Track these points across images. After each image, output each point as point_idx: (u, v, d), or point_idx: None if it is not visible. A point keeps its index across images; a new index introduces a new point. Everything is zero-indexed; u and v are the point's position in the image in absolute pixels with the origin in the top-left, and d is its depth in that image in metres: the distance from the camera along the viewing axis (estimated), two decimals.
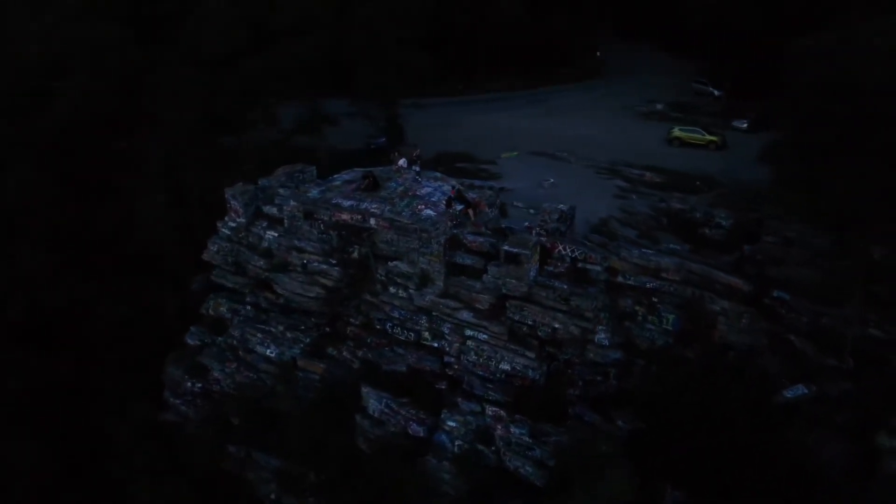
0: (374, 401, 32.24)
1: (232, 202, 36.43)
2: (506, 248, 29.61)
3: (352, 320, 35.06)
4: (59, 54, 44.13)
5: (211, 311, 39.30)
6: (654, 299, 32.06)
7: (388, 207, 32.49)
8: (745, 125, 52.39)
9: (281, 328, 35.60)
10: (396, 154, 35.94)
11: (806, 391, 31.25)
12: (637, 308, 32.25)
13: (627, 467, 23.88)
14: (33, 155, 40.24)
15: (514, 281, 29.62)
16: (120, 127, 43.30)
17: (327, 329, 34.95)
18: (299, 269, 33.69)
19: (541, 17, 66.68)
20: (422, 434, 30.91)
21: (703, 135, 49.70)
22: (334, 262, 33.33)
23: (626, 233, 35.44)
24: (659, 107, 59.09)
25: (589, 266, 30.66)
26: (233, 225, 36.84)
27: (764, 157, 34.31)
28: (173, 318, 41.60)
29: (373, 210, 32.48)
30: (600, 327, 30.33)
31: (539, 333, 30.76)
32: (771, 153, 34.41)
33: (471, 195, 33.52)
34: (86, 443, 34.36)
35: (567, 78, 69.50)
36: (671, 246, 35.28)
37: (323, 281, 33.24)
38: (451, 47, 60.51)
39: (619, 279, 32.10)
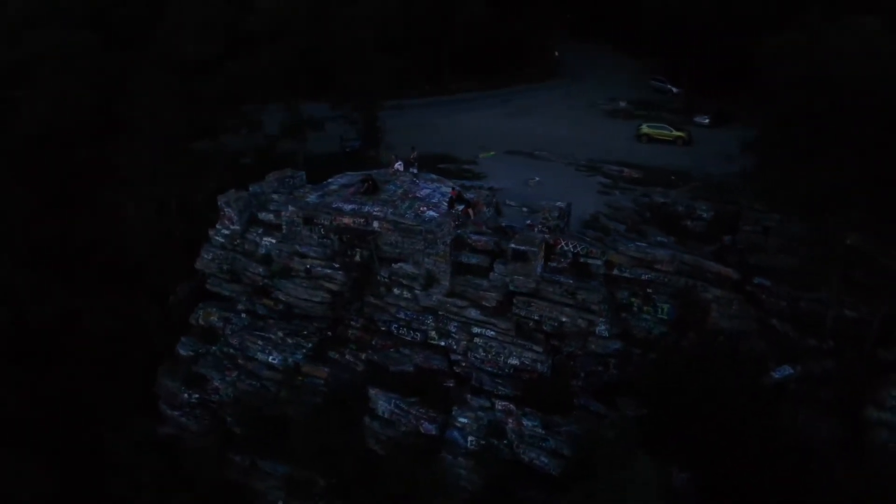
0: (382, 402, 32.60)
1: (226, 209, 36.20)
2: (513, 245, 30.46)
3: (352, 323, 35.35)
4: (23, 61, 42.77)
5: (201, 321, 38.93)
6: (649, 290, 33.44)
7: (390, 210, 32.91)
8: (707, 121, 54.63)
9: (280, 334, 35.57)
10: (393, 157, 36.29)
11: (792, 371, 33.13)
12: (633, 299, 33.57)
13: (651, 453, 24.92)
14: (4, 165, 38.92)
15: (521, 277, 30.51)
16: (94, 135, 42.24)
17: (329, 333, 35.04)
18: (303, 274, 33.78)
19: (502, 18, 67.73)
20: (434, 432, 31.46)
21: (671, 131, 51.66)
22: (337, 265, 33.57)
23: (615, 227, 36.70)
24: (622, 104, 60.96)
25: (590, 261, 31.82)
26: (226, 233, 36.62)
27: (745, 150, 36.06)
28: (158, 330, 40.93)
29: (375, 213, 32.85)
30: (601, 319, 31.47)
31: (544, 328, 31.74)
32: (752, 147, 36.14)
33: (468, 195, 34.20)
34: (85, 459, 33.54)
35: (528, 78, 70.81)
36: (659, 239, 36.77)
37: (328, 285, 33.43)
38: (416, 49, 60.90)
39: (615, 272, 33.36)
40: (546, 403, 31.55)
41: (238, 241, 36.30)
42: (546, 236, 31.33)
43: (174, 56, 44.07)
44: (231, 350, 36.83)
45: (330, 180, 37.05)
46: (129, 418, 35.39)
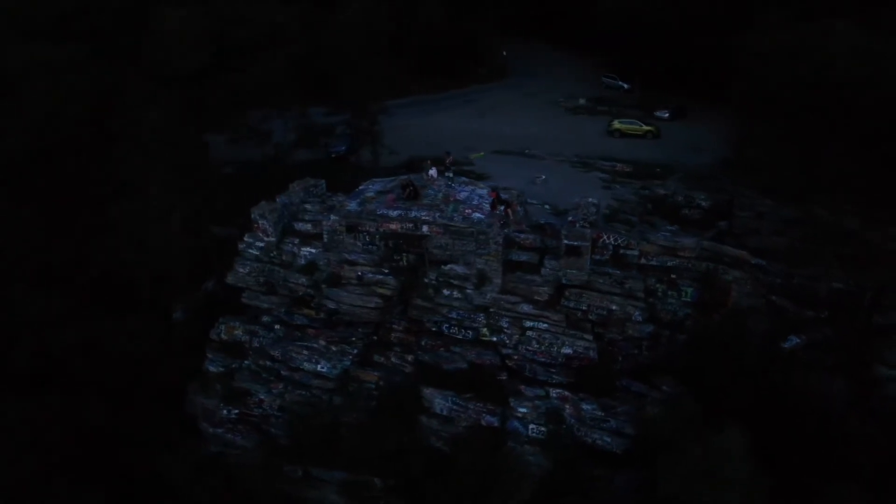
0: (439, 400, 33.79)
1: (260, 222, 36.15)
2: (566, 241, 32.41)
3: (395, 326, 36.23)
4: (8, 75, 40.70)
5: (223, 336, 38.65)
6: (673, 276, 36.25)
7: (437, 214, 34.07)
8: (667, 115, 58.60)
9: (323, 343, 35.95)
10: (428, 163, 37.31)
11: (798, 340, 36.86)
12: (658, 285, 36.28)
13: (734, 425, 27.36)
14: (5, 186, 37.08)
15: (574, 271, 32.55)
16: (92, 151, 40.81)
17: (374, 338, 35.77)
18: (354, 281, 34.31)
19: (456, 19, 69.49)
20: (496, 424, 32.97)
21: (641, 126, 55.20)
22: (387, 271, 34.36)
23: (630, 219, 39.40)
24: (582, 101, 64.22)
25: (628, 252, 34.23)
26: (261, 245, 36.51)
27: (742, 143, 39.68)
28: (178, 349, 40.30)
29: (424, 217, 33.90)
30: (642, 305, 34.01)
31: (590, 317, 33.92)
32: (748, 140, 39.79)
33: (503, 196, 35.86)
34: (137, 484, 32.80)
35: (480, 78, 73.03)
36: (668, 227, 39.76)
37: (381, 291, 34.19)
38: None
39: (642, 261, 35.98)
40: (595, 388, 33.81)
41: (274, 252, 36.23)
42: (589, 231, 33.45)
43: (164, 68, 43.14)
44: (268, 363, 36.78)
45: (362, 187, 37.65)
46: (174, 440, 34.68)
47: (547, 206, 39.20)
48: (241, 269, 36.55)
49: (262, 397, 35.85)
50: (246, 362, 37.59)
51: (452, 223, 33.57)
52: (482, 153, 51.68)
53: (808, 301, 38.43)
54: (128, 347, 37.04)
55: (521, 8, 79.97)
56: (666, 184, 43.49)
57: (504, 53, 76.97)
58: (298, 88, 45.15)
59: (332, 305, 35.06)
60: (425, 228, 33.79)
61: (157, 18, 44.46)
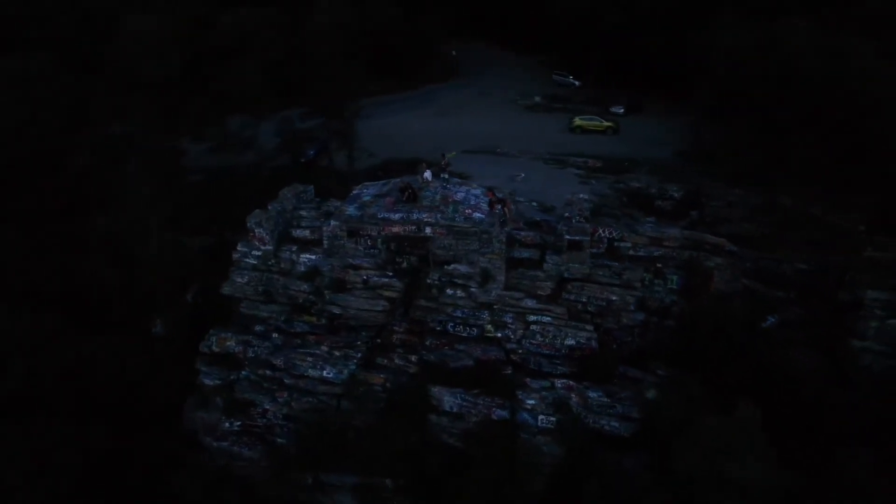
0: (448, 398, 34.43)
1: (256, 230, 35.86)
2: (567, 236, 33.64)
3: (396, 328, 36.62)
4: None
5: (215, 348, 38.17)
6: (659, 265, 38.06)
7: (439, 215, 34.66)
8: (622, 110, 60.91)
9: (325, 349, 36.01)
10: (423, 165, 37.78)
11: (774, 319, 39.40)
12: (645, 274, 38.04)
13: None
14: None
15: (577, 265, 33.84)
16: (67, 163, 39.52)
17: (378, 341, 36.10)
18: (360, 286, 34.52)
19: (407, 20, 69.94)
20: (507, 417, 33.90)
21: (601, 122, 57.23)
22: (391, 274, 34.74)
23: (614, 212, 41.08)
24: (537, 99, 65.93)
25: (621, 244, 35.80)
26: (258, 253, 36.19)
27: (703, 135, 42.02)
28: (161, 364, 39.51)
29: (426, 219, 34.44)
30: (637, 295, 35.65)
31: (589, 308, 35.30)
32: (713, 132, 42.14)
33: (498, 195, 36.81)
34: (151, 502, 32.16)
35: (432, 78, 73.65)
36: (647, 219, 41.67)
37: (387, 294, 34.55)
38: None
39: (631, 252, 37.67)
40: (597, 376, 35.25)
41: (272, 260, 36.01)
42: (588, 226, 34.81)
43: (134, 75, 42.22)
44: (268, 372, 36.53)
45: (356, 191, 37.81)
46: (180, 457, 34.12)
47: (534, 204, 40.36)
48: (239, 279, 36.14)
49: (267, 407, 35.59)
50: (244, 373, 37.16)
51: (455, 224, 34.24)
52: (454, 153, 52.31)
53: (777, 283, 41.03)
54: (119, 366, 35.97)
55: (466, 8, 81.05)
56: (639, 177, 45.39)
57: (454, 53, 77.85)
58: (274, 93, 44.76)
59: (336, 311, 35.15)
60: (428, 230, 34.35)
61: (123, 25, 43.42)
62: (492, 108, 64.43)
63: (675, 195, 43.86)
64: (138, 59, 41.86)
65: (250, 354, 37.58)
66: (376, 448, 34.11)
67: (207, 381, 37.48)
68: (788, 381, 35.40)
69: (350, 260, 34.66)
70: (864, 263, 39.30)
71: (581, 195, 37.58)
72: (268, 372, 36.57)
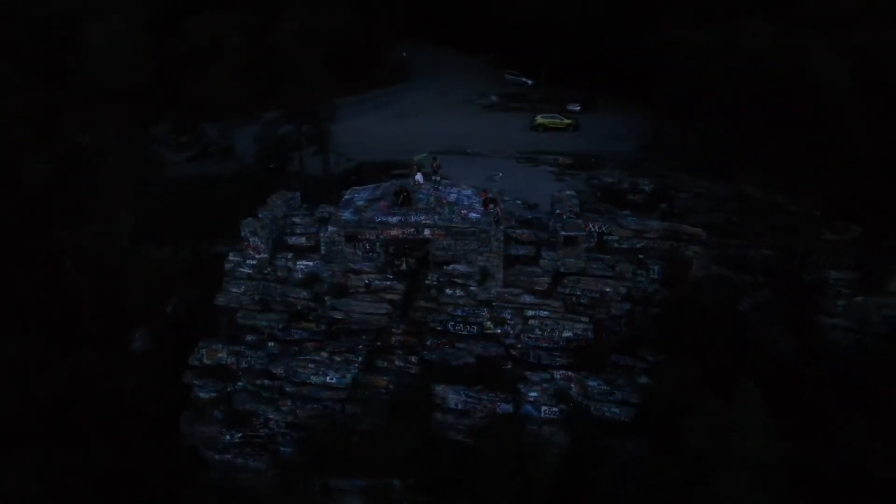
0: (452, 395, 35.15)
1: (251, 239, 35.56)
2: (563, 232, 34.83)
3: (394, 330, 37.02)
4: None
5: (206, 360, 37.73)
6: (641, 256, 39.78)
7: (436, 217, 35.24)
8: (579, 108, 62.73)
9: (325, 354, 36.10)
10: (414, 168, 38.17)
11: (748, 303, 41.76)
12: (629, 266, 39.68)
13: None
14: None
15: (572, 259, 35.08)
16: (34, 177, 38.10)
17: (378, 344, 36.40)
18: (362, 289, 34.73)
19: (358, 22, 69.75)
20: (512, 410, 34.86)
21: (562, 120, 58.89)
22: (391, 276, 35.11)
23: (597, 208, 42.58)
24: (493, 98, 67.04)
25: (609, 237, 37.29)
26: (253, 262, 35.89)
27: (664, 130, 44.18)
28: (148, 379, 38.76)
29: (424, 221, 34.95)
30: (627, 285, 37.23)
31: (582, 300, 36.64)
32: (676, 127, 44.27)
33: (490, 195, 37.68)
34: None
35: (385, 81, 73.76)
36: (623, 212, 43.37)
37: (389, 296, 34.90)
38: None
39: (616, 244, 39.26)
40: (592, 365, 36.64)
41: (268, 269, 35.77)
42: (581, 221, 36.09)
43: (101, 85, 41.05)
44: (266, 381, 36.34)
45: (348, 196, 37.91)
46: (186, 472, 33.60)
47: (518, 202, 41.37)
48: (235, 289, 35.75)
49: (271, 416, 35.37)
50: (240, 384, 36.81)
51: (453, 225, 34.88)
52: (424, 154, 52.79)
53: (745, 268, 43.41)
54: (113, 385, 35.06)
55: (413, 10, 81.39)
56: (611, 172, 47.09)
57: (404, 55, 78.15)
58: (247, 99, 44.23)
59: (339, 316, 35.28)
60: (427, 232, 34.88)
61: (84, 32, 42.05)
62: (450, 109, 65.09)
63: (646, 189, 45.70)
64: (103, 68, 40.61)
65: (243, 365, 37.23)
66: (385, 449, 34.39)
67: (202, 394, 36.95)
68: (768, 359, 37.63)
69: (351, 265, 34.77)
70: (824, 246, 42.05)
71: (568, 192, 38.81)
72: (266, 381, 36.32)
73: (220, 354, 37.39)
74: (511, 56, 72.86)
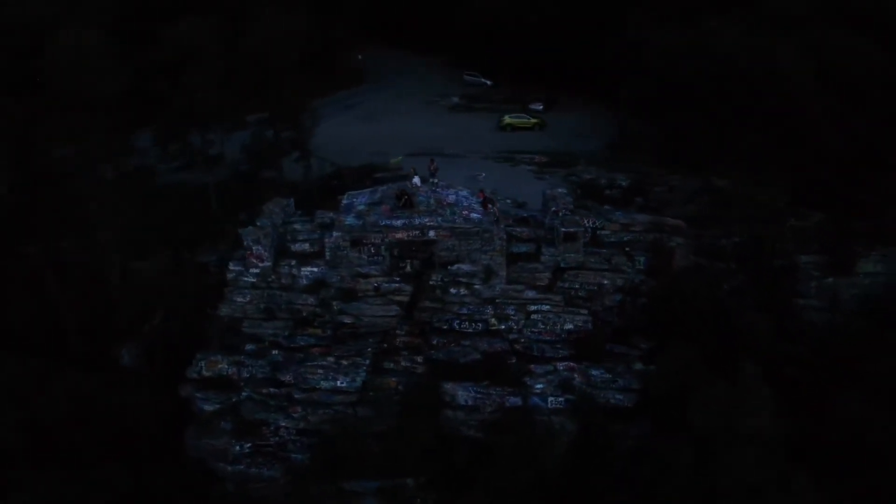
0: (462, 392, 35.95)
1: (254, 248, 35.45)
2: (563, 228, 36.16)
3: (398, 332, 37.58)
4: None
5: (205, 372, 37.44)
6: (628, 248, 41.50)
7: (439, 218, 35.97)
8: (541, 107, 64.37)
9: (332, 359, 36.35)
10: (412, 171, 38.66)
11: (726, 288, 44.09)
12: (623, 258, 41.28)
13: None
14: None
15: (572, 254, 36.46)
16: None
17: (384, 346, 36.87)
18: (371, 293, 35.13)
19: (318, 26, 69.51)
20: (520, 403, 35.95)
21: (529, 119, 60.43)
22: (398, 279, 35.68)
23: (585, 204, 44.13)
24: (456, 100, 68.02)
25: (602, 232, 38.86)
26: (256, 271, 35.79)
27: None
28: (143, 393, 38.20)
29: (428, 223, 35.65)
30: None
31: (580, 293, 38.08)
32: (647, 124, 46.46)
33: (487, 195, 38.70)
34: None
35: (344, 84, 73.65)
36: (605, 207, 45.11)
37: (398, 298, 35.43)
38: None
39: (606, 239, 40.88)
40: (592, 355, 38.12)
41: (272, 276, 35.75)
42: (579, 217, 37.49)
43: (77, 95, 40.15)
44: (272, 389, 36.33)
45: (346, 201, 38.18)
46: (202, 487, 33.33)
47: (508, 200, 42.47)
48: (240, 299, 35.60)
49: (282, 424, 35.38)
50: (245, 394, 36.64)
51: (457, 225, 35.69)
52: (400, 157, 53.39)
53: (719, 256, 45.79)
54: (119, 402, 34.43)
55: (367, 12, 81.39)
56: (588, 169, 48.80)
57: (360, 58, 78.15)
58: (229, 104, 43.89)
59: (348, 320, 35.61)
60: (432, 233, 35.56)
61: (54, 41, 41.02)
62: (415, 111, 65.63)
63: (623, 184, 47.57)
64: (74, 77, 39.70)
65: (245, 375, 37.04)
66: (399, 449, 34.92)
67: (206, 407, 36.61)
68: (750, 341, 39.85)
69: (359, 269, 35.13)
70: (789, 232, 44.84)
71: (560, 190, 40.15)
72: (272, 389, 36.26)
73: (220, 365, 37.09)
74: (469, 57, 73.78)
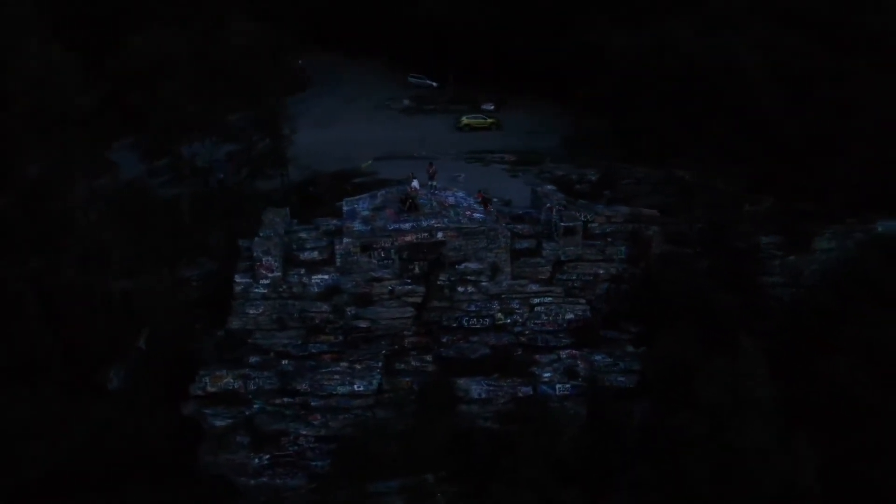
0: (475, 387, 37.09)
1: (264, 259, 35.20)
2: (563, 223, 37.89)
3: (406, 332, 38.29)
4: None
5: (210, 388, 37.00)
6: (609, 239, 43.78)
7: (446, 220, 36.92)
8: (493, 107, 66.09)
9: (345, 365, 36.68)
10: (411, 175, 39.21)
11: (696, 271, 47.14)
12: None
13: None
14: None
15: (571, 248, 38.27)
16: None
17: (395, 347, 37.48)
18: (386, 296, 35.62)
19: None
20: (531, 392, 37.45)
21: (485, 119, 62.02)
22: (409, 281, 36.39)
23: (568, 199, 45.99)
24: (406, 102, 68.70)
25: (591, 225, 40.93)
26: (267, 282, 35.58)
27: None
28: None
29: (436, 225, 36.52)
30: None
31: (576, 284, 40.00)
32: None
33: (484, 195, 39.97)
34: None
35: (287, 90, 72.40)
36: (581, 201, 47.25)
37: (412, 300, 36.09)
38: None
39: (594, 231, 42.97)
40: (589, 342, 40.13)
41: (283, 286, 35.65)
42: (574, 212, 39.35)
43: (47, 112, 38.69)
44: (286, 398, 36.31)
45: (348, 208, 38.40)
46: (227, 500, 32.95)
47: (495, 199, 43.78)
48: (252, 311, 35.27)
49: (303, 432, 35.35)
50: (256, 406, 36.39)
51: (463, 225, 36.73)
52: (370, 161, 53.79)
53: (684, 242, 48.86)
54: (135, 426, 33.49)
55: (304, 17, 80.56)
56: (559, 165, 50.87)
57: (300, 63, 77.27)
58: (206, 115, 43.13)
59: (364, 324, 35.95)
60: (440, 234, 36.42)
61: (16, 55, 39.26)
62: (367, 115, 65.79)
63: (592, 178, 49.92)
64: (42, 92, 38.17)
65: (252, 387, 36.77)
66: (419, 446, 35.62)
67: (218, 423, 36.09)
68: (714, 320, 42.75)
69: (372, 273, 35.55)
70: (746, 217, 48.47)
71: (549, 187, 41.88)
72: (286, 399, 36.17)
73: (225, 380, 36.57)
74: (411, 59, 74.30)
